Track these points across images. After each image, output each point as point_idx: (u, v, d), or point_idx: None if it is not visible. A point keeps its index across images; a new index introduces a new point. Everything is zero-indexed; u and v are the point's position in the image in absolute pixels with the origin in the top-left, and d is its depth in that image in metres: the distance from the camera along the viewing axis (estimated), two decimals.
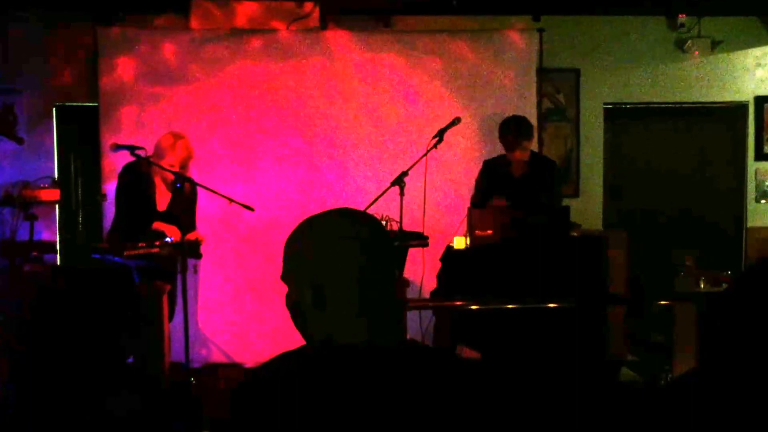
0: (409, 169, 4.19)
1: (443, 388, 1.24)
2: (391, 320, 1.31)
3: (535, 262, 4.07)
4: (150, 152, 4.21)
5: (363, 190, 5.27)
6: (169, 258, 4.18)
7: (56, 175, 5.57)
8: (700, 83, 6.06)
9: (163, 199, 4.38)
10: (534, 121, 5.67)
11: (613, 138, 6.16)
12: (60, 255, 5.55)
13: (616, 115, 6.12)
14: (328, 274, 1.28)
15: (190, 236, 4.35)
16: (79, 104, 5.58)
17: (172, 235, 4.11)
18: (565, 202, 5.16)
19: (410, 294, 4.50)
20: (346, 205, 1.43)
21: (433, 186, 4.62)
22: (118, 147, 4.25)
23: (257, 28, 5.46)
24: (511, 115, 4.92)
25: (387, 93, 5.54)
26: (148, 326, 3.86)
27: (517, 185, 4.74)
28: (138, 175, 4.31)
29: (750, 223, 6.18)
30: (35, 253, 5.29)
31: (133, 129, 5.23)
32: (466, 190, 5.20)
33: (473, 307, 4.08)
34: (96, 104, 5.38)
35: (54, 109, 5.59)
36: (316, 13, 5.44)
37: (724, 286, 4.11)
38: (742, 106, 6.15)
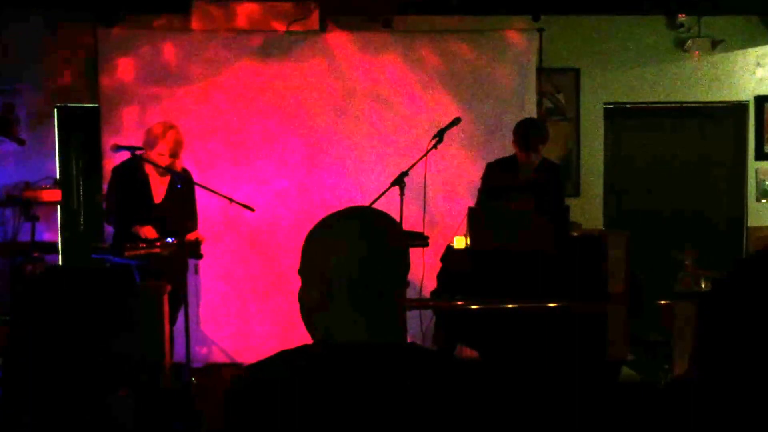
0: (409, 169, 4.19)
1: (441, 389, 1.25)
2: (392, 322, 1.32)
3: (535, 262, 4.07)
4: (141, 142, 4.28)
5: (363, 190, 5.28)
6: (170, 258, 4.19)
7: (57, 176, 5.58)
8: (700, 83, 6.06)
9: (158, 192, 4.41)
10: None
11: (614, 138, 6.16)
12: (61, 255, 5.56)
13: (616, 115, 6.12)
14: (332, 273, 1.29)
15: (191, 236, 4.36)
16: (80, 105, 5.59)
17: (148, 235, 4.14)
18: (566, 201, 5.16)
19: (410, 294, 4.50)
20: (346, 205, 1.44)
21: (433, 186, 4.62)
22: (118, 147, 4.27)
23: (257, 28, 5.47)
24: (528, 117, 4.83)
25: (387, 93, 5.55)
26: (149, 326, 3.86)
27: (525, 189, 4.64)
28: (131, 172, 4.35)
29: (750, 223, 6.18)
30: (36, 254, 5.30)
31: (133, 129, 5.24)
32: (467, 189, 5.20)
33: (473, 307, 4.08)
34: (97, 105, 5.39)
35: (55, 109, 5.60)
36: (316, 14, 5.44)
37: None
38: (742, 106, 6.15)
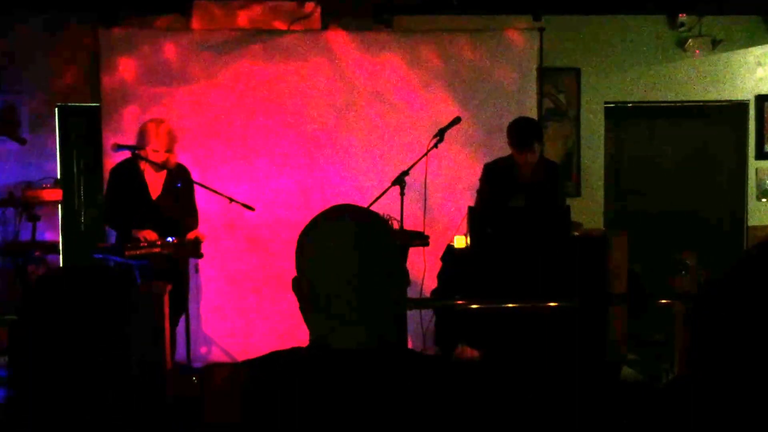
0: (409, 169, 4.20)
1: (435, 394, 1.23)
2: (386, 324, 1.28)
3: (536, 262, 4.07)
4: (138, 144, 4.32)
5: (363, 189, 5.27)
6: (171, 258, 4.20)
7: (58, 176, 5.59)
8: (700, 82, 6.06)
9: (155, 189, 4.43)
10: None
11: (614, 137, 6.16)
12: (62, 255, 5.57)
13: (617, 115, 6.12)
14: (321, 274, 1.27)
15: (190, 235, 4.37)
16: (81, 105, 5.59)
17: (148, 238, 4.17)
18: (567, 201, 5.16)
19: (410, 293, 4.51)
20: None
21: (433, 185, 4.62)
22: (119, 147, 4.28)
23: (258, 28, 5.47)
24: (520, 116, 4.71)
25: (388, 93, 5.55)
26: (149, 326, 3.87)
27: (524, 190, 4.54)
28: (127, 171, 4.37)
29: (751, 222, 6.18)
30: (38, 253, 5.31)
31: (134, 129, 5.20)
32: (467, 189, 5.20)
33: (473, 306, 4.09)
34: (98, 104, 5.40)
35: (56, 109, 5.61)
36: (317, 14, 5.44)
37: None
38: (742, 105, 6.15)
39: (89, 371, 1.41)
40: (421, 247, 4.36)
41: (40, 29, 5.49)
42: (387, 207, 4.12)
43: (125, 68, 5.38)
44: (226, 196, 4.28)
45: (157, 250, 4.14)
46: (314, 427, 1.20)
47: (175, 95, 5.39)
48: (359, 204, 1.43)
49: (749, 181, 6.18)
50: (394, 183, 4.14)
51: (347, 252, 1.25)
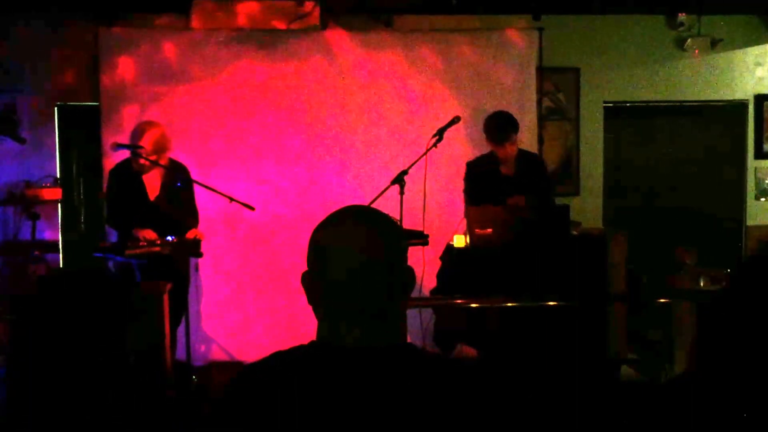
0: (409, 168, 4.20)
1: (435, 392, 1.23)
2: (386, 323, 1.29)
3: (535, 261, 4.08)
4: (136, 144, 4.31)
5: (363, 188, 5.28)
6: (171, 256, 4.21)
7: (58, 175, 5.59)
8: (699, 82, 6.07)
9: (153, 189, 4.44)
10: (534, 119, 5.70)
11: (613, 137, 6.16)
12: (62, 254, 5.57)
13: (616, 114, 6.12)
14: (327, 272, 1.28)
15: (190, 234, 4.37)
16: (81, 104, 5.59)
17: (148, 237, 4.17)
18: (566, 200, 5.16)
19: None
20: (346, 204, 1.41)
21: (433, 185, 4.62)
22: (118, 146, 4.29)
23: (258, 27, 5.47)
24: (493, 111, 4.76)
25: (387, 92, 5.55)
26: (149, 325, 3.87)
27: (507, 184, 4.64)
28: (125, 172, 4.37)
29: (749, 221, 6.19)
30: (37, 252, 5.31)
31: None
32: None
33: (473, 305, 4.09)
34: (97, 103, 5.40)
35: (56, 108, 5.61)
36: (317, 13, 5.44)
37: (724, 284, 4.13)
38: (741, 105, 6.16)
39: (88, 371, 1.42)
40: (420, 247, 4.37)
41: (40, 28, 5.48)
42: (386, 206, 4.12)
43: (125, 67, 5.38)
44: (226, 196, 4.28)
45: (156, 249, 4.14)
46: (314, 424, 1.20)
47: (175, 94, 5.39)
48: (358, 203, 1.44)
49: (748, 181, 6.19)
50: (393, 182, 4.15)
51: (353, 252, 1.27)
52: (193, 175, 4.57)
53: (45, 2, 5.38)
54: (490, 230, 4.22)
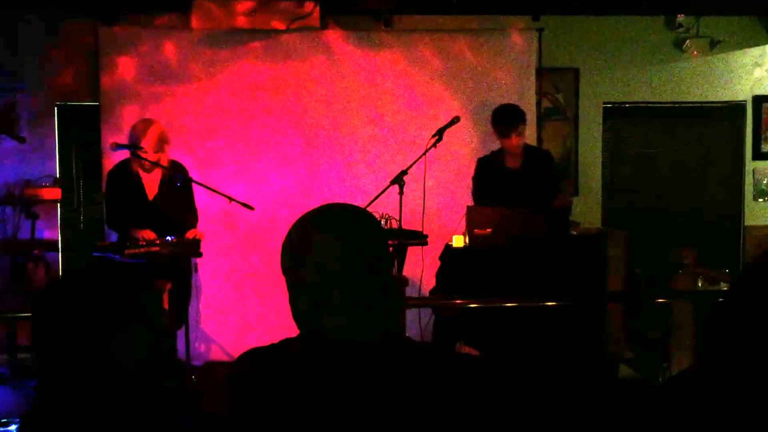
0: (408, 168, 4.21)
1: (433, 385, 1.23)
2: (374, 316, 1.29)
3: (534, 260, 4.09)
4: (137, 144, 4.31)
5: (363, 188, 5.29)
6: (171, 256, 4.21)
7: (57, 174, 5.59)
8: (698, 83, 6.08)
9: (151, 189, 4.44)
10: (533, 120, 5.70)
11: (612, 137, 6.18)
12: (61, 253, 5.57)
13: (615, 115, 6.13)
14: (304, 268, 1.29)
15: (189, 234, 4.38)
16: (81, 103, 5.60)
17: (147, 238, 4.18)
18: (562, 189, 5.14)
19: (409, 292, 4.52)
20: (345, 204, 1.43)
21: (432, 185, 4.64)
22: (118, 146, 4.29)
23: (258, 27, 5.47)
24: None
25: (387, 92, 5.56)
26: (149, 324, 3.87)
27: (513, 178, 4.66)
28: (124, 172, 4.38)
29: (748, 222, 6.20)
30: (37, 252, 5.31)
31: None
32: (466, 188, 5.21)
33: (472, 305, 4.10)
34: (97, 103, 5.40)
35: (55, 108, 5.61)
36: (317, 13, 5.45)
37: (722, 284, 4.14)
38: (740, 106, 6.16)
39: (95, 370, 1.42)
40: (419, 247, 4.38)
41: (40, 28, 5.49)
42: (386, 206, 4.14)
43: (125, 67, 5.38)
44: (225, 196, 4.29)
45: (156, 249, 4.14)
46: (307, 418, 1.21)
47: (175, 94, 5.40)
48: (358, 203, 1.45)
49: (746, 182, 6.20)
50: (392, 182, 4.15)
51: (329, 243, 1.28)
52: (193, 175, 4.57)
53: (45, 1, 5.38)
54: (489, 230, 4.23)
